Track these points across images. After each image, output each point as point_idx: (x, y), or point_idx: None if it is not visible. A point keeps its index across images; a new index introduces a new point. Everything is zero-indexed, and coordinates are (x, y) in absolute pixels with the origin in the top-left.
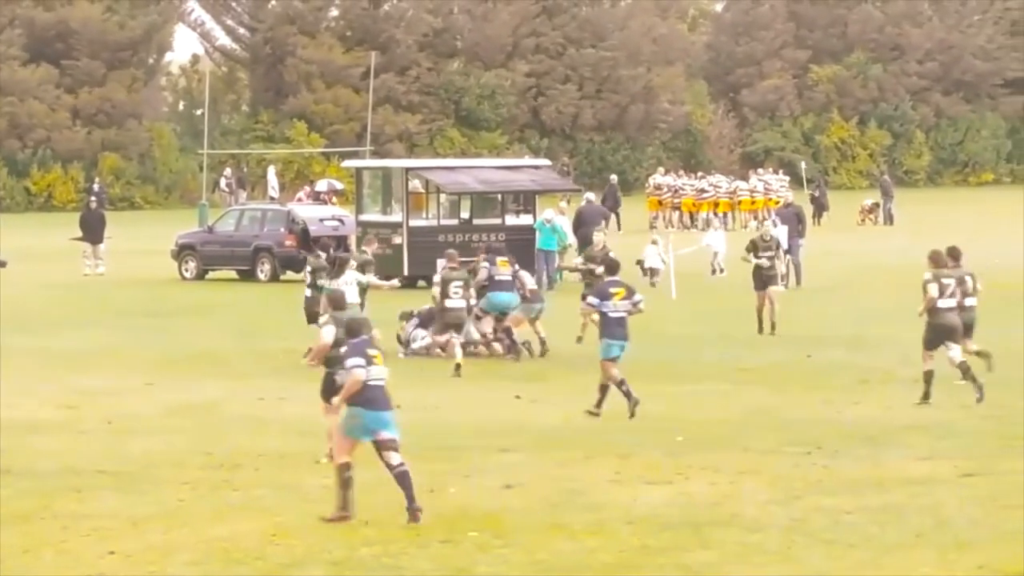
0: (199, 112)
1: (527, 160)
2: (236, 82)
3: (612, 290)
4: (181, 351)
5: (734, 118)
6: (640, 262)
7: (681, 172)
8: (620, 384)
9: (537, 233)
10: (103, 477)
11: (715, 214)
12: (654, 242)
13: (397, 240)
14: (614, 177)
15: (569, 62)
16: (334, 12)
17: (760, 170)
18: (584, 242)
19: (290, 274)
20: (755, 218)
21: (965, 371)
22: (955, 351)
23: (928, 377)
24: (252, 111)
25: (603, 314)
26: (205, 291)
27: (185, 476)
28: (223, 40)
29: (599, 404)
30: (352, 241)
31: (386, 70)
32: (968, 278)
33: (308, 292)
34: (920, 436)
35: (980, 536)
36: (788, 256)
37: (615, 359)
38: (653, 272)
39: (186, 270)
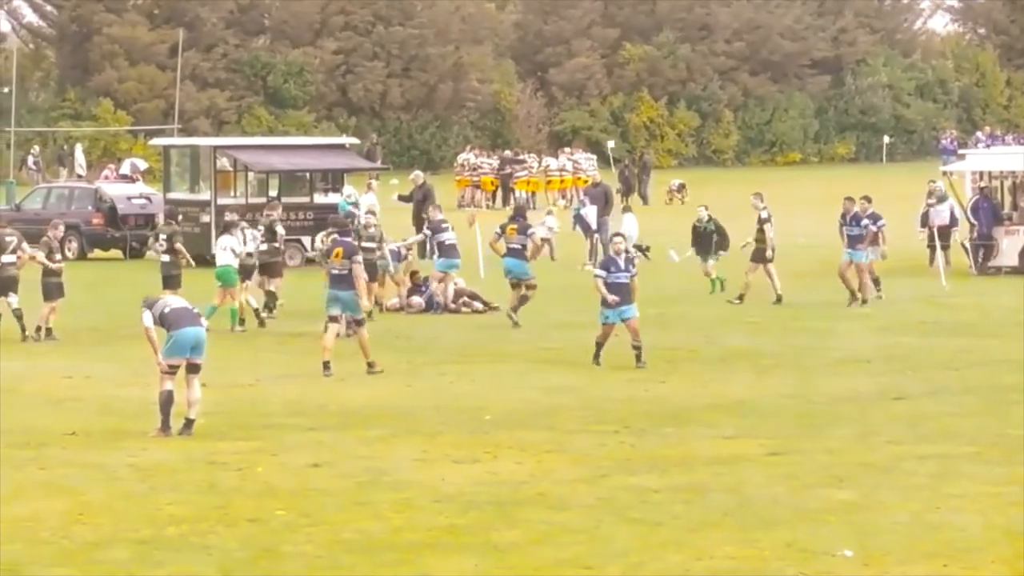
0: (6, 90)
1: (335, 139)
2: (43, 60)
3: None
4: None
5: (542, 97)
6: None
7: (495, 152)
8: None
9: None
10: None
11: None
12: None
13: (205, 219)
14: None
15: (378, 39)
16: None
17: (568, 149)
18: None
19: (97, 252)
20: (563, 197)
21: None
22: None
23: None
24: (59, 89)
25: None
26: None
27: None
28: (30, 17)
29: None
30: (160, 218)
31: (192, 47)
32: None
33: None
34: (725, 415)
35: (784, 515)
36: (596, 235)
37: None
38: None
39: None
